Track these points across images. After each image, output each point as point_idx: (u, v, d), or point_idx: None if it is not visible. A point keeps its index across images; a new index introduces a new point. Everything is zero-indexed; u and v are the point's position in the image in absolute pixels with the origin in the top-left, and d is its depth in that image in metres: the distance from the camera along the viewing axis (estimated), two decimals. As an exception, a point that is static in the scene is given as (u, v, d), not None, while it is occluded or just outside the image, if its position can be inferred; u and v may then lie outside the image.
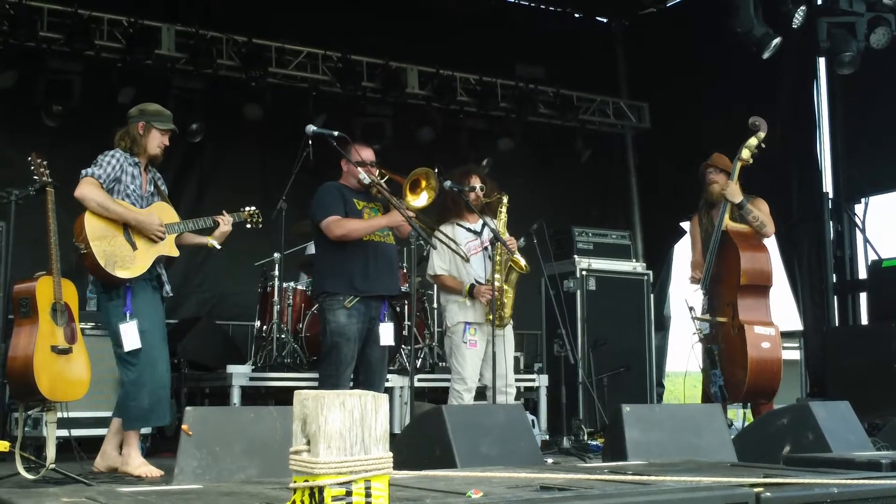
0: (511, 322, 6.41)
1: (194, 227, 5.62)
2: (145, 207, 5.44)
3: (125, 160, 5.38)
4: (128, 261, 5.25)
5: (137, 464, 5.27)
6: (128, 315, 5.25)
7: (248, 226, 6.01)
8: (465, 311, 6.30)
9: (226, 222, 5.67)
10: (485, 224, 6.41)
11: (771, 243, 6.83)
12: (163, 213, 5.49)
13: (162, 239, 5.37)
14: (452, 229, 6.40)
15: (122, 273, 5.21)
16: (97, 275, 5.26)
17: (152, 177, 5.58)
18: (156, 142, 5.51)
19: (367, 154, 6.05)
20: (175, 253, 5.53)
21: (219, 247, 5.71)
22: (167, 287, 5.55)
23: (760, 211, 6.56)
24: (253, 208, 6.01)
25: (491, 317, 6.20)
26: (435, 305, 7.73)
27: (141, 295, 5.33)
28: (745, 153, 6.51)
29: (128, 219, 5.28)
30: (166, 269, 5.64)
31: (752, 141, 6.53)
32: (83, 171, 5.27)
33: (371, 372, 6.00)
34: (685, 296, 6.61)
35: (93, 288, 6.49)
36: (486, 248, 6.39)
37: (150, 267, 5.36)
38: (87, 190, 5.20)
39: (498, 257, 6.25)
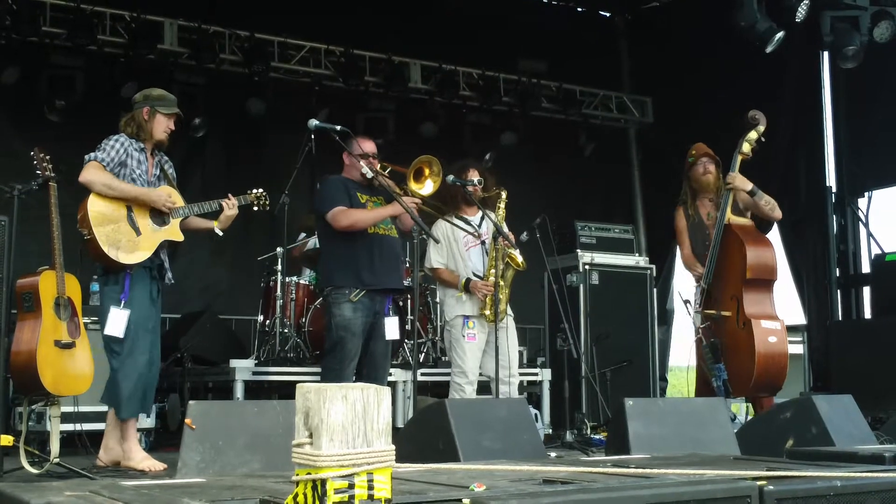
0: (512, 314, 6.41)
1: (200, 210, 5.60)
2: None
3: (130, 145, 5.38)
4: (131, 246, 5.24)
5: (140, 458, 5.27)
6: (122, 302, 5.25)
7: (255, 208, 6.00)
8: (463, 304, 6.32)
9: (231, 206, 5.64)
10: (483, 218, 6.41)
11: (774, 237, 6.81)
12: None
13: (170, 211, 5.36)
14: (452, 219, 6.41)
15: (125, 258, 5.21)
16: (100, 260, 5.25)
17: (159, 160, 5.57)
18: (161, 126, 5.50)
19: (369, 146, 6.06)
20: (180, 237, 5.51)
21: (220, 233, 5.69)
22: (169, 274, 5.54)
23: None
24: (260, 190, 5.99)
25: (487, 312, 6.20)
26: (437, 300, 7.73)
27: (139, 285, 5.32)
28: (746, 147, 6.47)
29: (136, 194, 5.27)
30: (171, 256, 5.64)
31: (752, 135, 6.50)
32: (87, 156, 5.27)
33: (375, 366, 6.00)
34: (679, 290, 6.57)
35: (97, 282, 6.51)
36: (483, 243, 6.39)
37: (154, 253, 5.36)
38: (92, 173, 5.20)
39: (493, 253, 6.24)
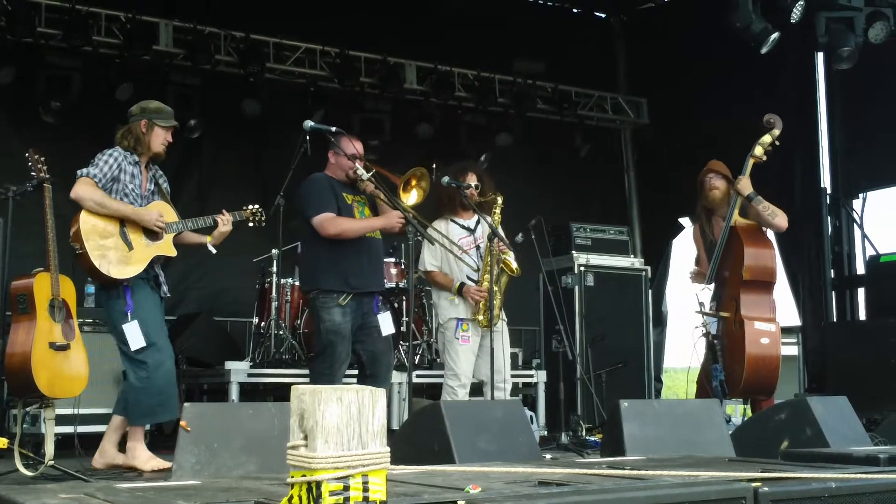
0: (505, 318, 6.41)
1: (193, 226, 5.59)
2: (144, 207, 5.41)
3: (124, 159, 5.35)
4: (123, 261, 5.22)
5: (145, 458, 5.26)
6: (129, 314, 5.23)
7: (251, 224, 5.99)
8: (456, 307, 6.31)
9: (225, 222, 5.63)
10: (479, 222, 6.40)
11: (771, 239, 6.81)
12: (163, 213, 5.47)
13: (161, 230, 5.34)
14: (446, 225, 6.41)
15: (117, 274, 5.19)
16: (93, 276, 5.25)
17: (153, 174, 5.55)
18: (159, 139, 5.49)
19: (358, 147, 6.04)
20: (172, 253, 5.50)
21: (214, 250, 5.69)
22: (164, 288, 5.53)
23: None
24: (256, 206, 5.98)
25: (480, 317, 6.20)
26: (432, 301, 7.74)
27: (140, 293, 5.31)
28: (759, 150, 6.45)
29: (126, 213, 5.26)
30: (164, 270, 5.62)
31: (766, 138, 6.48)
32: (79, 172, 5.23)
33: (378, 364, 5.99)
34: (696, 290, 6.57)
35: (92, 285, 6.48)
36: (478, 247, 6.39)
37: (147, 267, 5.34)
38: (83, 190, 5.17)
39: (487, 258, 6.24)
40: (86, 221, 5.16)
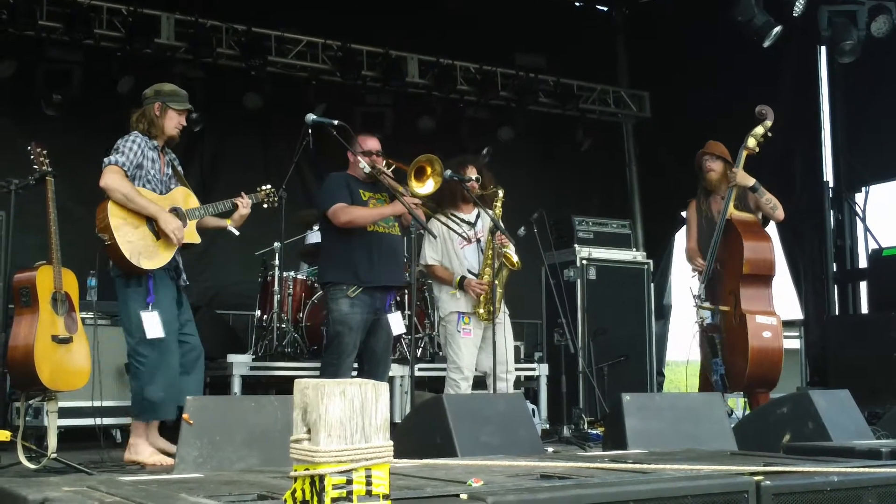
0: (507, 311, 6.41)
1: (214, 210, 5.58)
2: (165, 192, 5.38)
3: (145, 144, 5.32)
4: (152, 251, 5.21)
5: (148, 453, 5.24)
6: (150, 305, 5.22)
7: (265, 206, 5.99)
8: (457, 301, 6.32)
9: (245, 205, 5.66)
10: (479, 215, 6.41)
11: (772, 232, 6.82)
12: (184, 199, 5.46)
13: (179, 243, 5.32)
14: (446, 219, 6.41)
15: (147, 264, 5.17)
16: (121, 265, 5.20)
17: (169, 159, 5.54)
18: (173, 122, 5.46)
19: (373, 143, 6.08)
20: (197, 240, 5.49)
21: (237, 232, 5.69)
22: (184, 276, 5.52)
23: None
24: (269, 187, 5.98)
25: (480, 310, 6.20)
26: (434, 295, 7.74)
27: (162, 287, 5.29)
28: (751, 142, 6.46)
29: (151, 213, 5.23)
30: (182, 256, 5.60)
31: (759, 130, 6.47)
32: (105, 160, 5.19)
33: (375, 362, 6.03)
34: (689, 284, 6.59)
35: (94, 278, 6.45)
36: (478, 241, 6.39)
37: (173, 256, 5.34)
38: (112, 180, 5.13)
39: (489, 251, 6.24)
40: (114, 214, 5.13)
